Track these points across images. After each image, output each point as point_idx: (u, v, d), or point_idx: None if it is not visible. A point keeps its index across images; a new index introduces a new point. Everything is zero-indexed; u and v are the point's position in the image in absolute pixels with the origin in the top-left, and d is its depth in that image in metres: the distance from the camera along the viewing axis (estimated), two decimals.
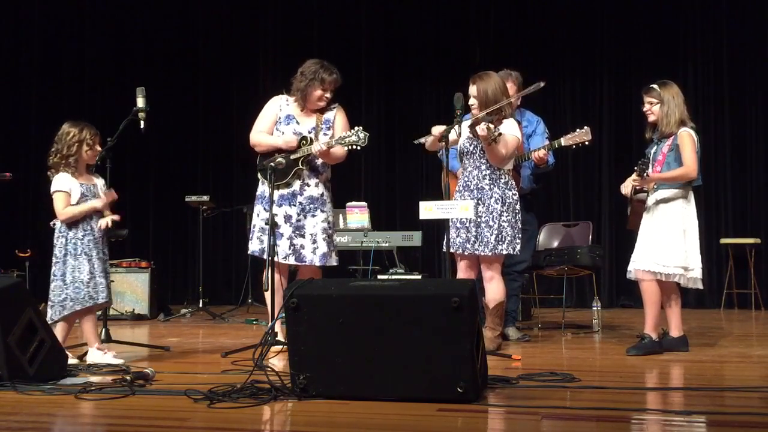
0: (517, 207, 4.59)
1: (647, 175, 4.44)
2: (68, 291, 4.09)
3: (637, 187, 4.57)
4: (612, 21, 8.53)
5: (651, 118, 4.67)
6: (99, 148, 4.27)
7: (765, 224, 8.10)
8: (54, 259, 4.15)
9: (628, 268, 4.66)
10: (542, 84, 4.56)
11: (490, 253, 4.51)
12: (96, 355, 4.15)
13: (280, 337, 4.33)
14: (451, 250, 4.57)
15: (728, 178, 8.18)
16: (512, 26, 8.81)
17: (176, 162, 9.34)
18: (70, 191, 4.14)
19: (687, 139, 4.50)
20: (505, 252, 4.54)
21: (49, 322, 4.19)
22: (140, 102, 4.64)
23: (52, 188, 4.18)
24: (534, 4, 8.74)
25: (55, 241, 4.18)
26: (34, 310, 3.59)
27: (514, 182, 4.67)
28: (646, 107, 4.65)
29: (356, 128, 4.65)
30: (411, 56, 9.04)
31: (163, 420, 2.91)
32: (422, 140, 4.82)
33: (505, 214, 4.52)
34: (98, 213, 4.23)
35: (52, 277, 4.15)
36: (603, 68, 8.56)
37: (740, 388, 3.42)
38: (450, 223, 4.59)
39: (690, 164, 4.45)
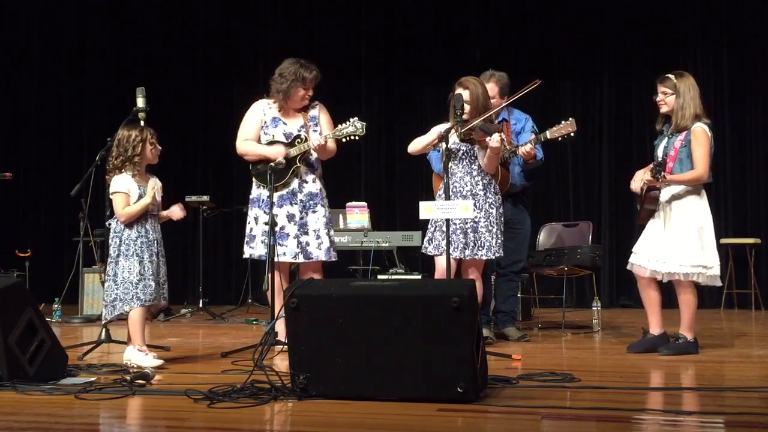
0: (501, 209, 4.75)
1: (663, 176, 4.29)
2: (118, 291, 4.10)
3: (650, 186, 4.44)
4: (612, 21, 8.52)
5: (664, 109, 4.50)
6: (160, 147, 4.27)
7: (765, 224, 8.09)
8: (108, 260, 4.18)
9: (630, 260, 4.56)
10: (538, 82, 4.56)
11: (492, 257, 4.66)
12: (134, 355, 4.07)
13: (280, 337, 4.34)
14: (453, 257, 4.50)
15: (728, 178, 8.17)
16: (512, 26, 8.80)
17: (176, 162, 9.32)
18: (128, 192, 4.16)
19: (701, 136, 4.35)
20: (498, 254, 4.69)
21: (103, 322, 4.28)
22: (140, 102, 4.65)
23: (111, 190, 4.20)
24: (534, 3, 8.73)
25: (110, 242, 4.20)
26: (34, 310, 3.59)
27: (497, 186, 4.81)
28: (660, 97, 4.48)
29: (352, 119, 4.63)
30: (411, 56, 9.03)
31: (163, 420, 2.91)
32: None
33: (499, 218, 4.67)
34: (154, 215, 4.22)
35: (106, 276, 4.18)
36: (603, 68, 8.55)
37: (740, 388, 3.42)
38: (434, 227, 4.63)
39: (701, 168, 4.32)
